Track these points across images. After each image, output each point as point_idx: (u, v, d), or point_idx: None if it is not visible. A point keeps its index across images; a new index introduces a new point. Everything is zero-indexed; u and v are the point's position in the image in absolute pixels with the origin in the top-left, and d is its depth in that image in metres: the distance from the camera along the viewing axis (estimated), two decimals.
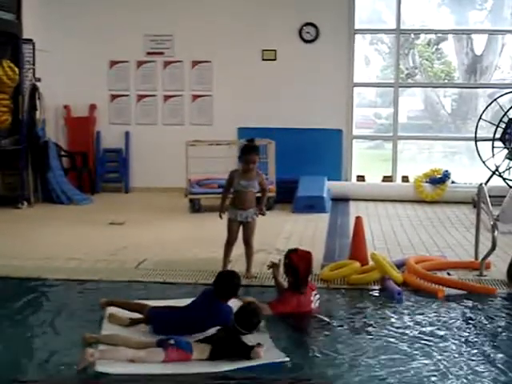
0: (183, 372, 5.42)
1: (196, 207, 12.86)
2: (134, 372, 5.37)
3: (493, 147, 13.96)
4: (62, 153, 14.80)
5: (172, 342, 5.58)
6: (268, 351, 5.71)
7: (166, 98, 15.41)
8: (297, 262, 6.95)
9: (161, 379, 5.34)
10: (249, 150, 8.27)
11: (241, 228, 8.38)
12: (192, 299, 6.56)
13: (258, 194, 8.51)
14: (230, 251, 8.41)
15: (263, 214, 8.44)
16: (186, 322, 6.11)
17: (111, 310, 6.63)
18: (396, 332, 6.37)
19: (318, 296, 7.03)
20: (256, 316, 6.06)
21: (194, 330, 6.01)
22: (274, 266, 7.41)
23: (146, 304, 6.59)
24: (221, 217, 8.37)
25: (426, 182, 14.34)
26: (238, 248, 8.45)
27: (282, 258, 7.45)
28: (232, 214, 8.31)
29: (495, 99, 14.41)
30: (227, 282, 6.37)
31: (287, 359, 5.62)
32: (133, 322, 6.39)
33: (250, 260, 8.35)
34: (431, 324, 6.62)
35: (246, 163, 8.20)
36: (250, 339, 5.80)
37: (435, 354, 5.82)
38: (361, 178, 15.14)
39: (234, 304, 6.34)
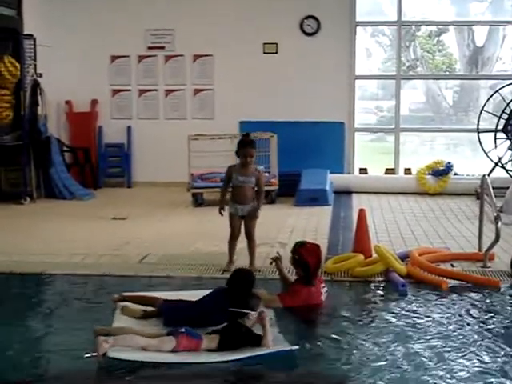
0: (193, 361, 5.46)
1: (199, 201, 12.86)
2: (145, 359, 5.43)
3: (495, 138, 13.94)
4: (64, 148, 14.80)
5: (183, 330, 5.65)
6: (277, 341, 5.73)
7: (168, 92, 15.40)
8: (306, 257, 6.96)
9: (171, 368, 5.39)
10: (245, 144, 8.22)
11: (243, 222, 8.38)
12: (201, 291, 6.65)
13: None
14: (235, 246, 8.40)
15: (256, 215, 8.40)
16: (197, 316, 6.11)
17: (124, 303, 6.66)
18: (401, 324, 6.38)
19: (326, 289, 7.04)
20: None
21: (205, 325, 6.01)
22: (276, 260, 7.41)
23: (158, 297, 6.61)
24: (221, 214, 8.35)
25: (429, 174, 14.33)
26: (241, 242, 8.44)
27: (279, 250, 7.46)
28: (232, 209, 8.30)
29: (497, 90, 14.37)
30: (242, 279, 6.36)
31: (296, 347, 5.64)
32: (145, 315, 6.41)
33: (253, 253, 8.33)
34: (436, 316, 6.61)
35: (244, 157, 8.18)
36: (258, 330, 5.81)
37: (441, 346, 5.82)
38: (363, 171, 15.14)
39: None
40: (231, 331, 5.73)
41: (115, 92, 15.50)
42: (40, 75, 13.73)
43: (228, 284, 6.34)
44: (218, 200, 8.53)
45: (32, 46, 13.50)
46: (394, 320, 6.50)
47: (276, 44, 15.02)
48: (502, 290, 7.50)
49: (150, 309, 6.50)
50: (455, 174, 14.43)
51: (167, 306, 6.40)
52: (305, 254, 6.99)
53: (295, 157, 14.10)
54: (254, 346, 5.63)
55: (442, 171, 14.27)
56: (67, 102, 15.37)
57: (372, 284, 7.74)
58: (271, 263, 7.52)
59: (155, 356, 5.48)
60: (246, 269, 6.75)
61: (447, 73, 16.65)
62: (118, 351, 5.45)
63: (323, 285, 7.07)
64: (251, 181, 8.23)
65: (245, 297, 5.95)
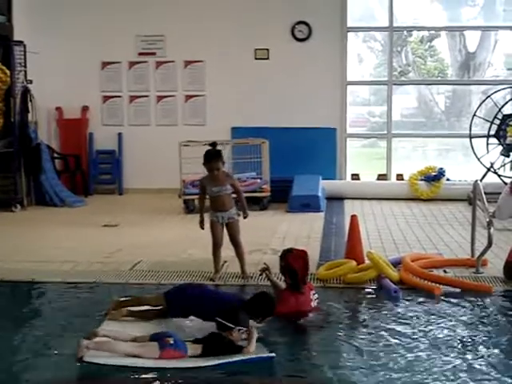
0: (172, 366, 5.43)
1: (190, 208, 12.81)
2: (121, 363, 5.40)
3: (487, 144, 13.94)
4: (55, 155, 14.77)
5: (172, 342, 5.57)
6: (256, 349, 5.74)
7: (159, 98, 15.36)
8: (293, 263, 6.94)
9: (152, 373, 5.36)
10: (210, 158, 8.09)
11: (226, 230, 8.31)
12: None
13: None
14: (219, 254, 8.33)
15: (245, 217, 8.36)
16: (208, 299, 6.28)
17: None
18: (393, 331, 6.33)
19: (316, 295, 7.00)
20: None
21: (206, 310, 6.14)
22: (264, 270, 7.37)
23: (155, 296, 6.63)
24: (202, 227, 8.31)
25: (421, 179, 14.31)
26: (232, 249, 8.39)
27: (271, 257, 7.42)
28: (213, 217, 8.24)
29: (489, 96, 14.38)
30: (265, 303, 6.29)
31: (273, 355, 5.62)
32: (141, 316, 6.47)
33: (243, 260, 8.28)
34: (428, 322, 6.59)
35: (210, 170, 8.09)
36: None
37: (432, 354, 5.78)
38: (355, 177, 15.12)
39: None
40: (214, 341, 5.71)
41: (106, 98, 15.46)
42: (30, 82, 13.66)
43: (249, 303, 6.27)
44: (198, 213, 8.44)
45: (22, 53, 13.45)
46: (386, 326, 6.46)
47: (267, 50, 15.00)
48: (494, 295, 7.48)
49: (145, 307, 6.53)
50: (447, 180, 14.41)
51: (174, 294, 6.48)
52: (292, 261, 6.97)
53: (287, 163, 14.08)
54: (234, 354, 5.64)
55: (434, 177, 14.25)
56: (57, 109, 15.32)
57: (364, 290, 7.71)
58: (260, 274, 7.48)
59: (133, 361, 5.43)
60: (270, 296, 6.62)
61: (439, 78, 16.67)
62: (94, 356, 5.42)
63: (313, 292, 7.03)
64: (226, 189, 8.16)
65: (237, 311, 5.94)
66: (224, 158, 8.24)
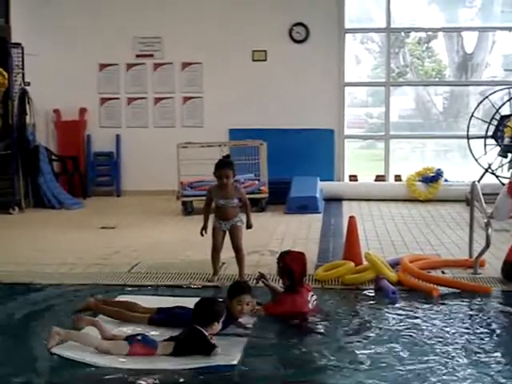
0: (139, 367, 5.42)
1: (188, 209, 12.81)
2: (87, 361, 5.42)
3: (485, 145, 13.95)
4: (53, 157, 14.74)
5: (139, 338, 5.65)
6: (227, 354, 5.68)
7: (157, 100, 15.37)
8: (291, 264, 6.94)
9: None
10: (222, 165, 8.15)
11: (228, 234, 8.30)
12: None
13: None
14: (218, 257, 8.32)
15: (249, 227, 8.33)
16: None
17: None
18: (391, 332, 6.33)
19: (314, 297, 7.00)
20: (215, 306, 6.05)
21: None
22: (260, 278, 7.36)
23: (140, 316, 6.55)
24: (202, 234, 8.29)
25: (419, 180, 14.31)
26: (231, 251, 8.36)
27: (270, 258, 7.40)
28: (216, 223, 8.25)
29: (487, 97, 14.38)
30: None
31: (234, 363, 5.53)
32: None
33: (242, 265, 8.26)
34: (426, 324, 6.57)
35: (220, 178, 8.10)
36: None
37: (431, 355, 5.77)
38: (353, 178, 15.12)
39: None
40: (189, 338, 5.70)
41: (104, 100, 15.45)
42: (28, 84, 13.68)
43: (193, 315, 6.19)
44: (203, 220, 8.39)
45: (20, 55, 13.46)
46: (384, 327, 6.45)
47: (265, 51, 15.01)
48: (493, 296, 7.48)
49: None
50: (445, 181, 14.41)
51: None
52: (289, 262, 6.97)
53: (285, 164, 14.09)
54: (204, 354, 5.60)
55: (432, 178, 14.26)
56: (55, 111, 15.31)
57: (362, 291, 7.70)
58: (257, 283, 7.46)
59: (99, 360, 5.45)
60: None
61: (437, 79, 16.68)
62: (63, 349, 5.46)
63: (312, 293, 7.02)
64: (233, 202, 8.17)
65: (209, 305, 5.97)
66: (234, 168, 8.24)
